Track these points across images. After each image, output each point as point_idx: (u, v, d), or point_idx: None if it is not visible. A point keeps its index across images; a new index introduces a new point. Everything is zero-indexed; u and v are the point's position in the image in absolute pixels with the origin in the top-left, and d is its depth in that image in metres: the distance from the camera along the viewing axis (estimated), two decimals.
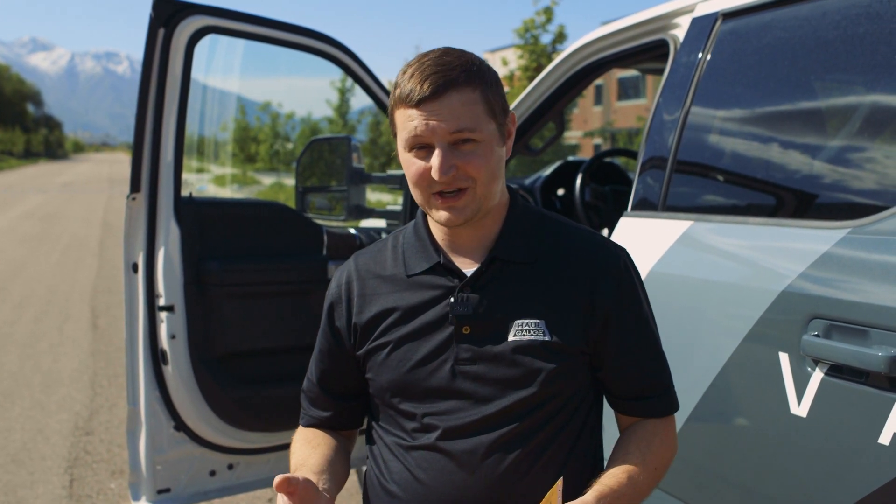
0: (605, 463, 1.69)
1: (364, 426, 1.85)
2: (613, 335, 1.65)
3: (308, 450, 1.71)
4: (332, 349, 1.76)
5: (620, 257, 1.69)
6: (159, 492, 3.05)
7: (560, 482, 1.44)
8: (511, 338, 1.60)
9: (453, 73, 1.52)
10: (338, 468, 1.69)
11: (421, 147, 1.55)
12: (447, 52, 1.58)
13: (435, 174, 1.52)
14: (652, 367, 1.70)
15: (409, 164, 1.57)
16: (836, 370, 1.68)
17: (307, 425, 1.83)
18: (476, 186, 1.56)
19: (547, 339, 1.59)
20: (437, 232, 1.69)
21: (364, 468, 1.79)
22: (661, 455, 1.66)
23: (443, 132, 1.51)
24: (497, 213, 1.67)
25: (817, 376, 1.72)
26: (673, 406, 1.71)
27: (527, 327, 1.60)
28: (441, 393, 1.62)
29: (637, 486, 1.56)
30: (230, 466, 3.23)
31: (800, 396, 1.76)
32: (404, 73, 1.56)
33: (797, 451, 1.79)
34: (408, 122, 1.54)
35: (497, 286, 1.63)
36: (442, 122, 1.51)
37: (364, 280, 1.72)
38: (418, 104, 1.51)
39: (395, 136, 1.62)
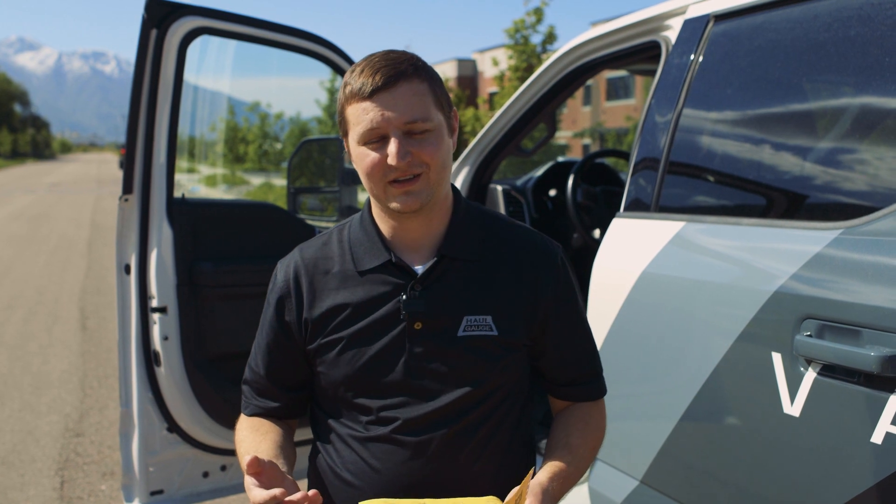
0: (543, 442, 1.79)
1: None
2: (553, 327, 1.76)
3: (258, 437, 1.74)
4: (282, 343, 1.78)
5: (558, 254, 1.79)
6: (152, 493, 3.04)
7: (530, 474, 1.51)
8: (461, 333, 1.67)
9: (402, 66, 1.60)
10: (289, 453, 1.74)
11: (376, 140, 1.60)
12: (392, 50, 1.66)
13: (392, 160, 1.57)
14: (586, 355, 1.84)
15: (364, 157, 1.62)
16: (829, 370, 1.70)
17: (252, 414, 1.84)
18: (429, 172, 1.62)
19: (495, 334, 1.68)
20: (385, 228, 1.73)
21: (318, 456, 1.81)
22: (597, 435, 1.81)
23: (398, 122, 1.58)
24: (444, 210, 1.74)
25: (810, 376, 1.73)
26: (603, 390, 1.86)
27: (476, 323, 1.68)
28: (395, 387, 1.67)
29: (580, 463, 1.71)
30: (223, 468, 3.23)
31: (793, 396, 1.77)
32: (353, 71, 1.63)
33: (790, 451, 1.80)
34: (362, 115, 1.59)
35: (447, 283, 1.69)
36: (396, 112, 1.58)
37: (312, 274, 1.75)
38: (371, 96, 1.58)
39: (345, 134, 1.69)
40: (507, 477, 1.72)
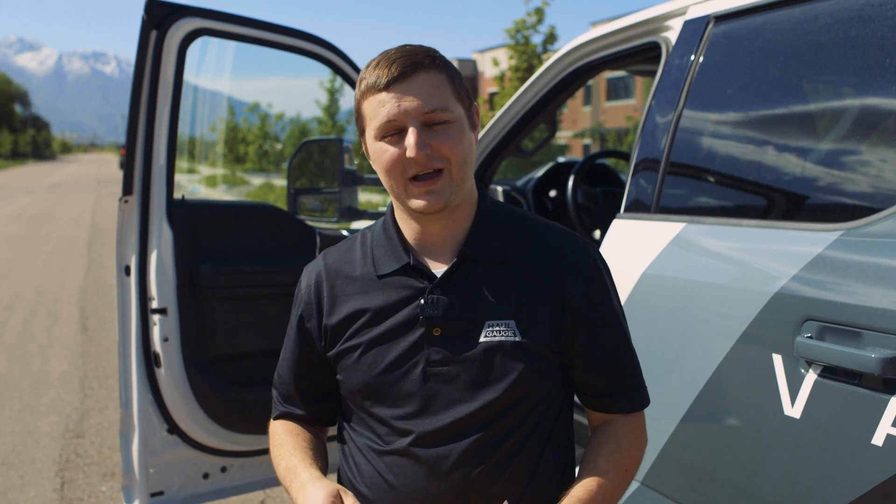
0: (577, 461, 1.73)
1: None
2: (583, 333, 1.64)
3: (299, 440, 1.73)
4: (305, 350, 1.74)
5: (590, 255, 1.68)
6: (152, 495, 3.04)
7: None
8: (482, 339, 1.59)
9: (419, 57, 1.55)
10: (322, 453, 1.73)
11: (393, 133, 1.54)
12: (407, 44, 1.60)
13: (411, 152, 1.51)
14: (622, 364, 1.70)
15: (382, 153, 1.56)
16: (830, 371, 1.69)
17: (280, 418, 1.82)
18: (451, 167, 1.55)
19: (518, 339, 1.58)
20: (407, 230, 1.67)
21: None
22: (632, 454, 1.68)
23: (415, 112, 1.52)
24: (467, 211, 1.66)
25: (811, 378, 1.73)
26: (643, 402, 1.73)
27: (498, 328, 1.59)
28: (412, 396, 1.60)
29: (608, 493, 1.59)
30: (223, 469, 3.23)
31: (793, 398, 1.77)
32: (368, 67, 1.58)
33: (791, 452, 1.80)
34: (379, 108, 1.53)
35: (467, 287, 1.62)
36: (414, 102, 1.52)
37: (333, 280, 1.70)
38: (388, 87, 1.52)
39: (361, 131, 1.62)
40: (535, 498, 1.61)
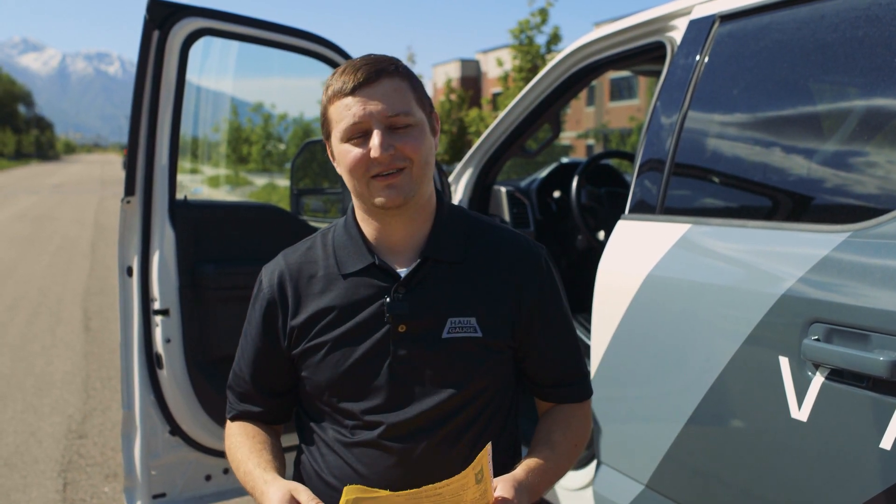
0: (523, 442, 1.85)
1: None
2: (538, 329, 1.76)
3: (254, 444, 1.76)
4: (267, 349, 1.78)
5: (542, 255, 1.79)
6: (154, 497, 3.03)
7: (489, 446, 1.53)
8: (445, 335, 1.67)
9: (382, 64, 1.63)
10: (283, 461, 1.77)
11: (359, 135, 1.61)
12: (370, 54, 1.69)
13: (375, 153, 1.58)
14: (572, 357, 1.83)
15: (346, 153, 1.63)
16: (837, 374, 1.68)
17: (237, 419, 1.86)
18: (412, 167, 1.63)
19: (479, 335, 1.68)
20: (369, 231, 1.74)
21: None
22: (580, 434, 1.81)
23: (380, 115, 1.59)
24: (427, 212, 1.74)
25: (818, 380, 1.72)
26: (589, 392, 1.86)
27: (460, 324, 1.68)
28: (379, 391, 1.67)
29: (559, 462, 1.72)
30: (225, 471, 3.22)
31: (800, 400, 1.75)
32: (333, 75, 1.66)
33: (798, 456, 1.79)
34: (345, 111, 1.61)
35: (430, 285, 1.70)
36: (379, 105, 1.59)
37: (297, 280, 1.75)
38: (353, 91, 1.60)
39: (327, 136, 1.69)
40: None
